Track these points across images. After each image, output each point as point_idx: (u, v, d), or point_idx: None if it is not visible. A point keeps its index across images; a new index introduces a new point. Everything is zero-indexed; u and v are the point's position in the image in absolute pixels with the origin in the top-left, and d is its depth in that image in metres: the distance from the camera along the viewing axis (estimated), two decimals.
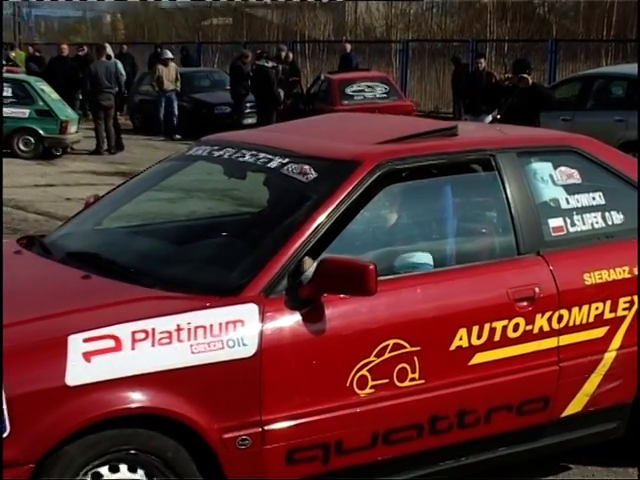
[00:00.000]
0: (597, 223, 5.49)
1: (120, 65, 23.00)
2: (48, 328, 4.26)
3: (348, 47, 28.80)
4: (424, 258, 5.00)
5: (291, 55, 27.87)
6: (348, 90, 22.78)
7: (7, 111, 20.58)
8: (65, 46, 27.43)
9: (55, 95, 21.64)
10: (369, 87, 23.13)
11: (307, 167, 5.02)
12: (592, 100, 17.70)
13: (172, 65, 25.27)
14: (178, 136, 23.59)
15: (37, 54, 33.30)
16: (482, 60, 21.84)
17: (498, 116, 14.15)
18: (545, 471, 5.58)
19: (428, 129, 5.58)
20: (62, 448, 4.03)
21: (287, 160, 5.14)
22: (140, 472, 4.25)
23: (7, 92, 20.86)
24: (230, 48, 39.41)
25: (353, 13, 50.18)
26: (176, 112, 24.57)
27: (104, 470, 4.18)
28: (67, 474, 4.06)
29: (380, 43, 38.95)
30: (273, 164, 5.19)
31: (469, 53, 27.44)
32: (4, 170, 18.35)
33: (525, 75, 12.56)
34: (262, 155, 5.29)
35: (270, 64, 24.43)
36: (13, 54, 33.16)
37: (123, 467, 4.22)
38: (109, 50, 23.47)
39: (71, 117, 21.33)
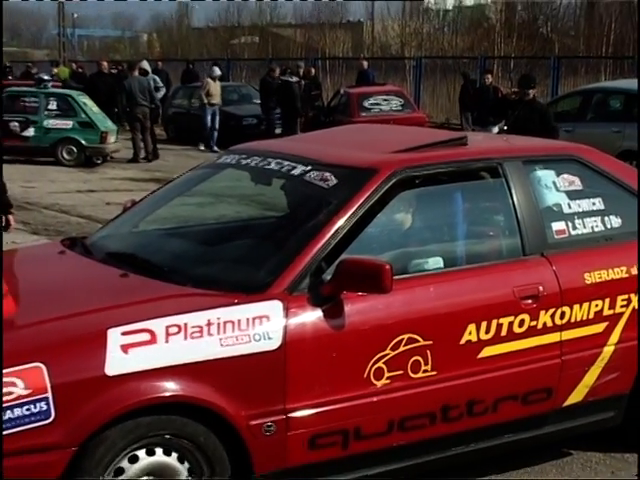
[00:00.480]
0: (597, 226, 5.48)
1: (158, 80, 23.06)
2: (89, 322, 4.27)
3: (365, 64, 28.81)
4: (437, 263, 5.01)
5: (313, 71, 27.86)
6: (366, 103, 22.73)
7: (52, 122, 20.80)
8: (105, 63, 27.56)
9: (96, 108, 21.71)
10: (385, 100, 23.08)
11: (328, 174, 5.02)
12: (592, 113, 17.68)
13: (218, 82, 25.23)
14: (216, 148, 23.42)
15: (80, 70, 33.51)
16: (489, 75, 21.81)
17: (505, 127, 14.12)
18: (548, 457, 5.54)
19: (440, 139, 5.57)
20: (103, 433, 4.04)
21: (309, 168, 5.14)
22: (174, 455, 4.26)
23: (52, 105, 21.05)
24: (257, 65, 39.46)
25: (370, 32, 50.32)
26: (217, 126, 24.54)
27: (141, 453, 4.19)
28: (108, 456, 4.07)
29: (395, 60, 38.97)
30: (296, 171, 5.19)
31: (477, 69, 27.37)
32: (51, 176, 18.56)
33: (529, 90, 12.54)
34: (286, 163, 5.29)
35: (294, 79, 24.45)
36: (56, 70, 33.28)
37: (159, 450, 4.22)
38: (147, 66, 23.51)
39: (110, 128, 21.40)
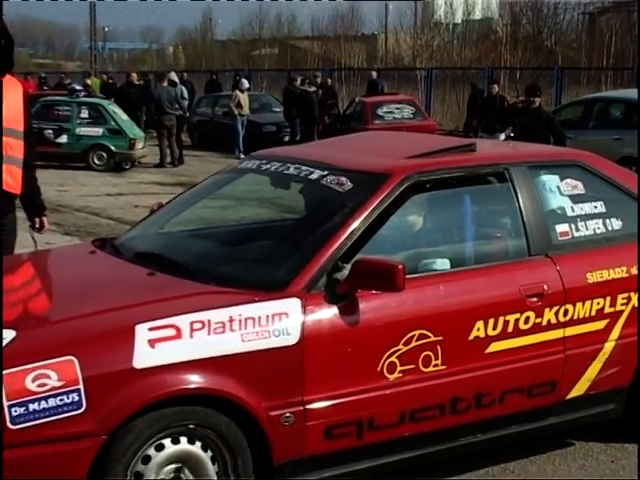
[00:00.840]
0: (598, 229, 5.46)
1: (185, 90, 23.11)
2: (118, 318, 4.27)
3: (374, 74, 28.87)
4: (446, 263, 5.00)
5: (329, 81, 27.88)
6: (379, 111, 22.71)
7: (84, 130, 20.91)
8: (134, 74, 27.67)
9: (125, 116, 21.80)
10: (398, 109, 23.07)
11: (344, 179, 5.01)
12: (593, 121, 17.67)
13: (246, 93, 25.20)
14: (242, 155, 23.36)
15: (110, 81, 33.61)
16: (496, 86, 21.85)
17: (511, 134, 14.09)
18: (551, 446, 5.53)
19: (450, 145, 5.56)
20: (131, 422, 4.04)
21: (326, 172, 5.13)
22: (197, 444, 4.25)
23: (84, 114, 21.16)
24: (276, 75, 39.57)
25: (384, 45, 50.27)
26: (242, 133, 24.58)
27: (167, 442, 4.18)
28: (135, 444, 4.07)
29: (407, 70, 38.95)
30: (314, 176, 5.18)
31: (485, 79, 27.30)
32: (82, 181, 18.62)
33: (535, 98, 12.53)
34: (304, 168, 5.28)
35: (312, 89, 24.48)
36: (89, 81, 33.40)
37: (183, 439, 4.22)
38: (174, 77, 23.50)
39: (138, 135, 21.47)
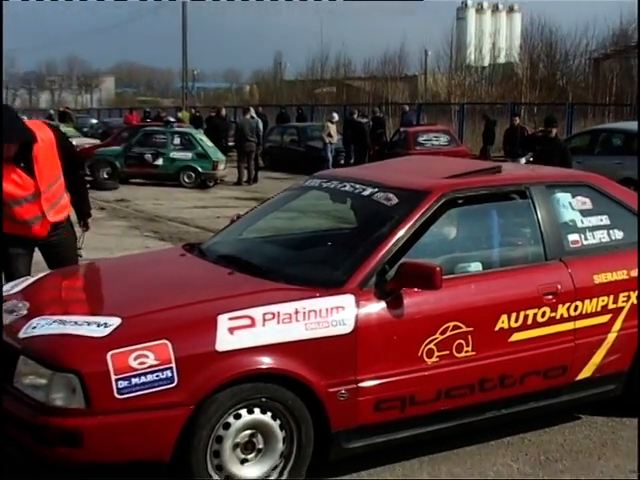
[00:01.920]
0: (604, 238, 5.40)
1: (260, 122, 23.19)
2: (204, 309, 4.28)
3: (407, 108, 28.56)
4: (476, 266, 4.96)
5: (379, 114, 27.82)
6: (420, 139, 22.67)
7: (176, 154, 21.18)
8: (223, 109, 27.79)
9: (209, 143, 21.94)
10: (435, 137, 23.00)
11: (391, 195, 4.99)
12: (598, 148, 17.50)
13: (335, 124, 24.76)
14: None
15: (197, 114, 33.82)
16: (517, 118, 21.67)
17: (531, 159, 13.98)
18: (562, 420, 5.48)
19: (479, 168, 5.52)
20: (214, 395, 4.05)
21: (376, 190, 5.12)
22: (268, 414, 4.24)
23: (177, 141, 21.41)
24: (334, 109, 39.50)
25: (424, 84, 50.08)
26: (331, 159, 24.22)
27: (243, 412, 4.18)
28: (218, 413, 4.09)
29: (443, 105, 38.72)
30: (366, 192, 5.17)
31: (508, 113, 27.11)
32: (174, 196, 18.78)
33: (552, 129, 12.44)
34: (358, 186, 5.27)
35: (364, 120, 24.42)
36: (180, 114, 33.67)
37: (257, 410, 4.21)
38: (252, 112, 23.61)
39: (220, 158, 21.61)
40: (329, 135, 24.33)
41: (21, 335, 4.23)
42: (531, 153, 14.91)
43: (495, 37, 54.36)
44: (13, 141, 5.33)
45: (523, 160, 17.28)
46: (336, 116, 25.55)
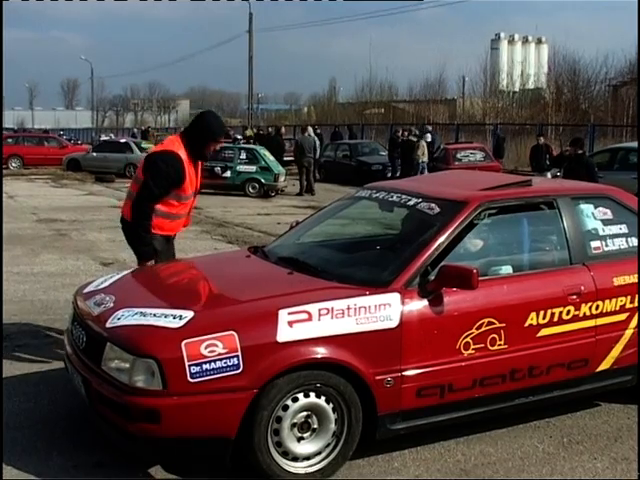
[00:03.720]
0: (622, 245, 5.29)
1: (317, 139, 23.17)
2: (266, 305, 4.27)
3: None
4: (507, 269, 4.90)
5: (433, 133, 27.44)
6: (458, 155, 22.66)
7: (242, 167, 21.34)
8: (284, 128, 27.86)
9: (272, 157, 22.08)
10: (472, 153, 22.91)
11: (433, 204, 4.94)
12: (617, 164, 17.33)
13: (426, 143, 23.33)
14: None
15: (261, 132, 34.01)
16: (541, 138, 21.60)
17: (557, 173, 13.82)
18: (583, 406, 5.41)
19: (512, 181, 5.44)
20: (275, 380, 4.05)
21: (420, 200, 5.07)
22: (322, 398, 4.23)
23: (243, 155, 21.61)
24: (382, 128, 39.56)
25: (462, 106, 49.82)
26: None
27: (300, 396, 4.17)
28: (277, 397, 4.08)
29: (478, 125, 38.57)
30: (411, 202, 5.13)
31: (535, 133, 26.87)
32: (240, 204, 18.88)
33: (579, 149, 12.31)
34: (404, 196, 5.24)
35: (413, 138, 24.29)
36: (246, 132, 33.88)
37: (312, 394, 4.20)
38: (310, 130, 23.63)
39: (281, 171, 21.72)
40: (422, 154, 22.84)
41: (108, 325, 4.28)
42: (557, 169, 14.75)
43: (524, 65, 54.10)
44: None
45: (549, 174, 17.16)
46: (429, 136, 23.92)
